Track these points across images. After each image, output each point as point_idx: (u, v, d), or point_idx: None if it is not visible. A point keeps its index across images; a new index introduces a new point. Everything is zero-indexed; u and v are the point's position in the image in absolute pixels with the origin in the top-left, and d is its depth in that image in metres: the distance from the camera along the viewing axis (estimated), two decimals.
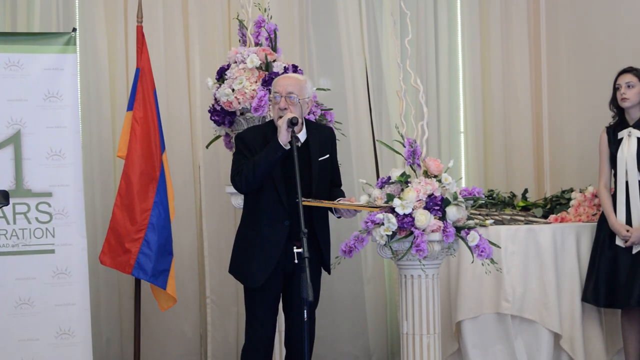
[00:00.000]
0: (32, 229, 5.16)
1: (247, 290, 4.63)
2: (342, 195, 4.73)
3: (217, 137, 5.71)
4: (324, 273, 4.78)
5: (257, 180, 4.44)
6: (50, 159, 5.21)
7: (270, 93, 4.69)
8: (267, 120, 5.10)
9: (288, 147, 4.37)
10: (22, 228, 5.15)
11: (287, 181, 4.48)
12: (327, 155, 4.65)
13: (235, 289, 6.19)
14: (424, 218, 4.74)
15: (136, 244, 5.48)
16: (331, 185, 4.73)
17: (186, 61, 6.36)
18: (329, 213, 4.73)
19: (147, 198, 5.53)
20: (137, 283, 5.70)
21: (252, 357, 4.59)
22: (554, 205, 6.25)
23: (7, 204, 4.00)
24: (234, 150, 4.78)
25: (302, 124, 4.57)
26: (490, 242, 4.92)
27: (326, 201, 4.55)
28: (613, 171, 5.72)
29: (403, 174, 4.90)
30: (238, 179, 4.49)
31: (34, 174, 5.17)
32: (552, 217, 6.09)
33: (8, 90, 5.15)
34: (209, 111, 5.53)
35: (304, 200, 4.25)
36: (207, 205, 6.29)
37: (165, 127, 5.94)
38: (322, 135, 4.69)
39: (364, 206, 4.82)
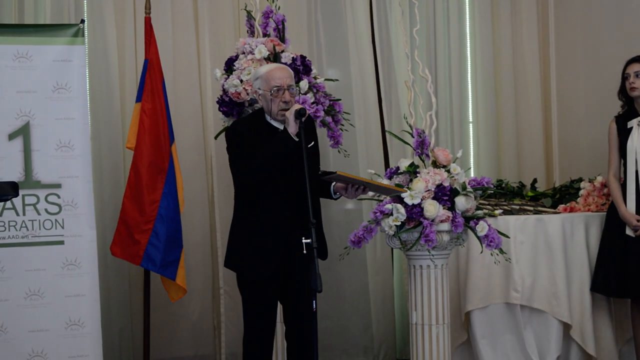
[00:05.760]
0: (42, 220, 5.17)
1: (245, 282, 4.57)
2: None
3: (226, 128, 5.71)
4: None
5: (268, 173, 4.40)
6: (60, 151, 5.21)
7: (259, 85, 4.53)
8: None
9: (297, 139, 4.34)
10: (32, 219, 5.16)
11: (285, 171, 4.46)
12: (313, 142, 4.60)
13: None
14: (432, 208, 4.73)
15: (145, 235, 5.50)
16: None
17: (196, 52, 6.36)
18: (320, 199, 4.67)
19: (155, 189, 5.54)
20: (147, 274, 5.71)
21: (254, 349, 4.58)
22: (563, 195, 6.24)
23: (17, 195, 3.99)
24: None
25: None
26: (499, 232, 4.92)
27: (357, 176, 4.50)
28: (623, 161, 5.71)
29: (412, 164, 4.90)
30: (247, 172, 4.42)
31: (43, 165, 5.17)
32: (561, 207, 6.08)
33: (17, 81, 5.15)
34: (218, 102, 5.54)
35: (339, 172, 4.23)
36: (219, 197, 6.29)
37: (175, 118, 5.94)
38: (306, 123, 4.63)
39: (394, 188, 4.75)
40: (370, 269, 6.64)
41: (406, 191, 4.78)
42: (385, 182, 4.94)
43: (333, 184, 4.54)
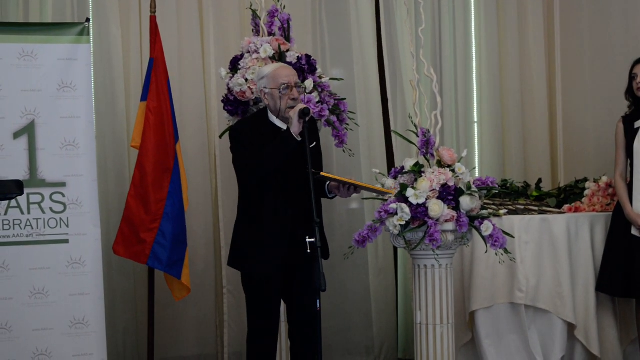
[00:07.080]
0: (47, 218, 5.18)
1: (249, 281, 4.59)
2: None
3: (230, 127, 5.70)
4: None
5: (269, 172, 4.41)
6: (64, 149, 5.22)
7: (265, 84, 4.56)
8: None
9: (299, 138, 4.35)
10: (37, 218, 5.17)
11: (287, 170, 4.46)
12: (315, 143, 4.61)
13: None
14: (437, 208, 4.73)
15: (151, 234, 5.50)
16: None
17: (202, 51, 6.36)
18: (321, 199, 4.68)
19: (161, 188, 5.54)
20: (151, 273, 5.72)
21: (258, 348, 4.58)
22: (568, 195, 6.23)
23: (21, 194, 4.00)
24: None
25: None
26: (504, 232, 4.91)
27: (342, 177, 4.52)
28: (629, 161, 5.69)
29: (416, 164, 4.89)
30: (248, 171, 4.44)
31: (48, 164, 5.18)
32: (566, 207, 6.07)
33: (22, 80, 5.16)
34: (222, 101, 5.54)
35: (323, 172, 4.24)
36: (223, 196, 6.29)
37: (180, 117, 5.94)
38: (309, 123, 4.61)
39: (381, 190, 4.77)
40: (372, 269, 6.63)
41: (392, 192, 4.78)
42: (389, 182, 4.93)
43: (327, 183, 4.55)
